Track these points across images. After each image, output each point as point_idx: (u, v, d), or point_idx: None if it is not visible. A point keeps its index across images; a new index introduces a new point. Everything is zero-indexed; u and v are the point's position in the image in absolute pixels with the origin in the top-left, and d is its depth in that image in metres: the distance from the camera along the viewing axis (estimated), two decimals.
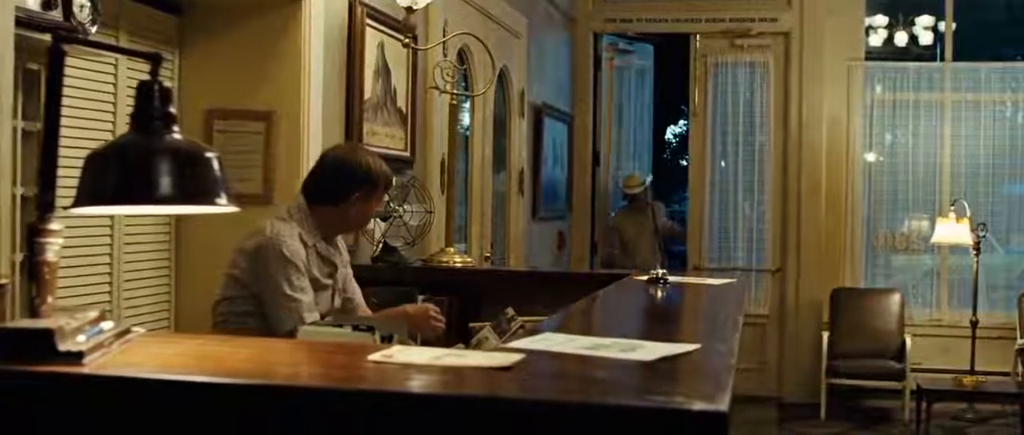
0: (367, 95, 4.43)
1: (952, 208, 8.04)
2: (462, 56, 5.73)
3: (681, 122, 14.28)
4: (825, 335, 8.34)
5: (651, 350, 1.83)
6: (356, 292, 3.52)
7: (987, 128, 8.72)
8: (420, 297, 4.04)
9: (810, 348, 8.46)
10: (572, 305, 2.78)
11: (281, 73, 4.00)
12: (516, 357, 1.70)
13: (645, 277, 3.53)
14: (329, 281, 3.34)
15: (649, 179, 9.05)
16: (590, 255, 8.97)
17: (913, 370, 8.17)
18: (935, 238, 8.18)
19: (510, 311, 3.32)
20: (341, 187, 3.27)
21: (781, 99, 8.78)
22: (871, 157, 8.85)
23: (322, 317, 3.20)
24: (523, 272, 4.27)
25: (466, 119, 6.09)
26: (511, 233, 6.98)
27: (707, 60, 8.88)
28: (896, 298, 8.47)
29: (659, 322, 3.02)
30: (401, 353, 1.77)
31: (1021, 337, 8.16)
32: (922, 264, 8.87)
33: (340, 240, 3.45)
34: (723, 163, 8.95)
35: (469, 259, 4.29)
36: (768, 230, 8.85)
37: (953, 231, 7.96)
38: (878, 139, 8.85)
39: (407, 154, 4.96)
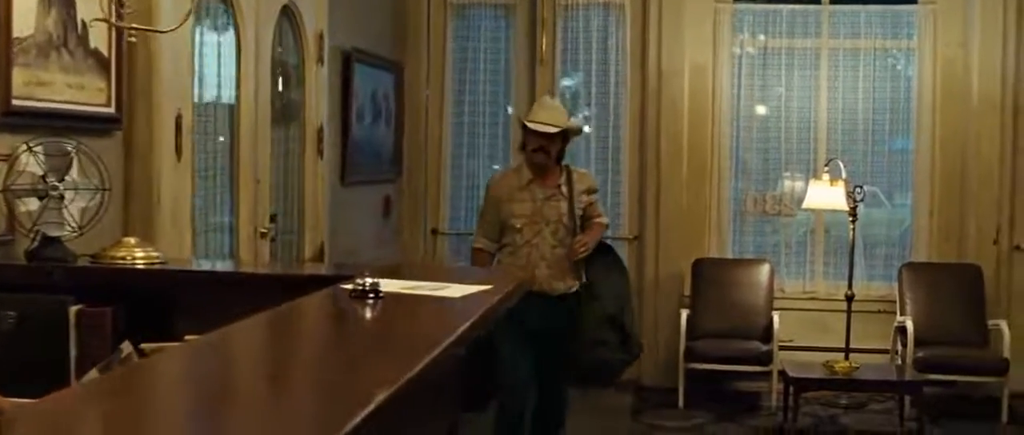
0: (23, 32, 3.27)
1: (826, 169, 7.11)
2: None
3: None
4: (683, 313, 7.38)
5: None
6: None
7: (868, 78, 7.80)
8: (73, 309, 2.93)
9: (670, 326, 7.50)
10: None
11: None
12: None
13: (349, 286, 2.46)
14: None
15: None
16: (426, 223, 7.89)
17: (783, 348, 7.28)
18: (807, 203, 7.25)
19: (126, 347, 2.23)
20: None
21: (638, 45, 7.75)
22: (739, 111, 7.87)
23: None
24: (224, 272, 3.18)
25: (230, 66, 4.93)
26: (307, 202, 5.85)
27: (556, 0, 7.80)
28: (765, 269, 7.55)
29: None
30: None
31: (900, 314, 7.30)
32: (796, 231, 7.95)
33: None
34: (574, 118, 7.89)
35: (154, 254, 3.17)
36: (624, 193, 7.85)
37: (827, 194, 7.03)
38: (747, 91, 7.86)
39: (110, 110, 3.81)
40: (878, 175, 7.90)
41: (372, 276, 2.46)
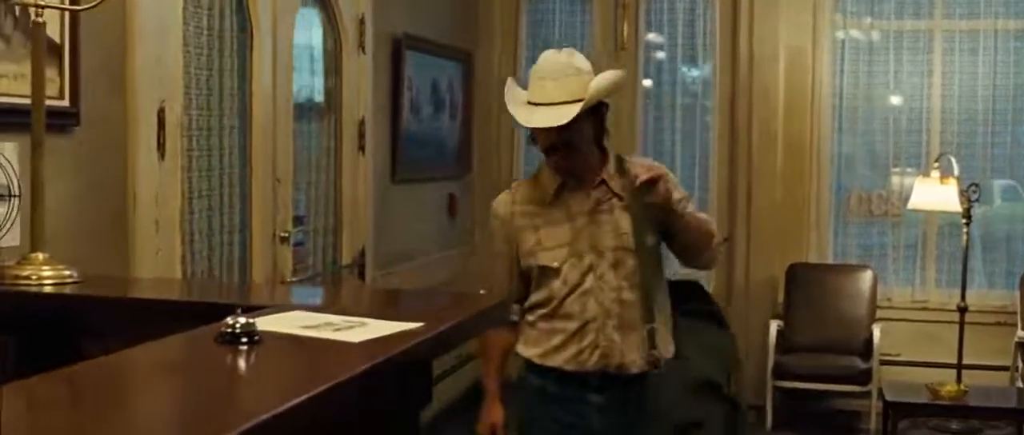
0: None
1: (936, 165, 6.34)
2: None
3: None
4: (773, 325, 6.67)
5: None
6: None
7: (987, 63, 6.96)
8: None
9: (759, 338, 6.80)
10: None
11: None
12: None
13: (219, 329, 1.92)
14: None
15: None
16: None
17: (886, 363, 6.55)
18: (912, 203, 6.46)
19: None
20: None
21: (728, 29, 7.07)
22: (842, 100, 7.12)
23: None
24: (142, 300, 2.65)
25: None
26: (345, 202, 5.36)
27: None
28: (867, 276, 6.78)
29: None
30: None
31: (1022, 328, 6.48)
32: (905, 233, 7.16)
33: None
34: (657, 110, 7.27)
35: (66, 273, 2.69)
36: (713, 191, 7.18)
37: (936, 193, 6.26)
38: (850, 78, 7.10)
39: (64, 104, 3.35)
40: (999, 170, 7.07)
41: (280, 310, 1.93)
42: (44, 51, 2.74)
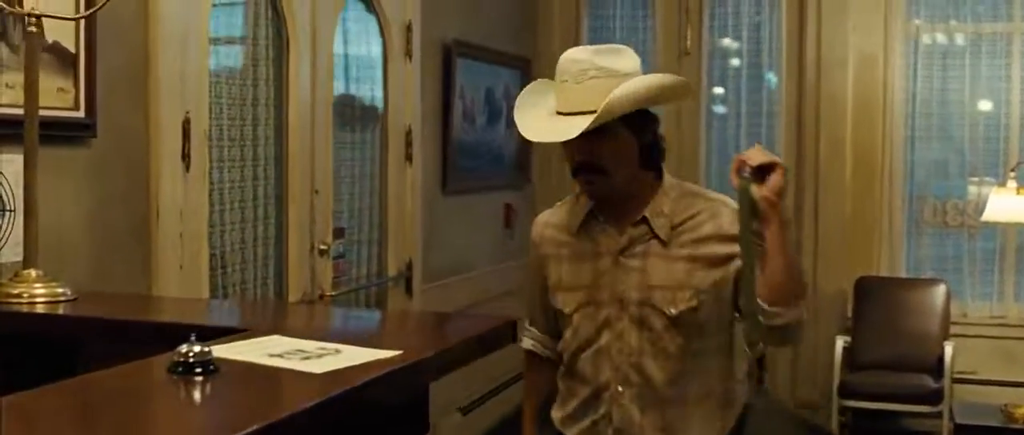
0: None
1: (1013, 174, 6.04)
2: None
3: None
4: (839, 341, 6.41)
5: None
6: None
7: None
8: None
9: (826, 355, 6.53)
10: None
11: None
12: None
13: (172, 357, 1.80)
14: None
15: None
16: None
17: (961, 381, 6.25)
18: (988, 214, 6.16)
19: None
20: None
21: (795, 33, 6.82)
22: (915, 107, 6.83)
23: None
24: (129, 322, 2.52)
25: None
26: (391, 213, 5.25)
27: None
28: (940, 291, 6.48)
29: None
30: None
31: None
32: (982, 245, 6.84)
33: None
34: (722, 118, 7.05)
35: (59, 290, 2.59)
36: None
37: (1014, 205, 5.97)
38: (924, 83, 6.81)
39: (79, 115, 3.27)
40: None
41: (258, 334, 1.80)
42: (38, 62, 2.65)
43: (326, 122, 4.64)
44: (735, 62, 7.03)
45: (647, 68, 7.13)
